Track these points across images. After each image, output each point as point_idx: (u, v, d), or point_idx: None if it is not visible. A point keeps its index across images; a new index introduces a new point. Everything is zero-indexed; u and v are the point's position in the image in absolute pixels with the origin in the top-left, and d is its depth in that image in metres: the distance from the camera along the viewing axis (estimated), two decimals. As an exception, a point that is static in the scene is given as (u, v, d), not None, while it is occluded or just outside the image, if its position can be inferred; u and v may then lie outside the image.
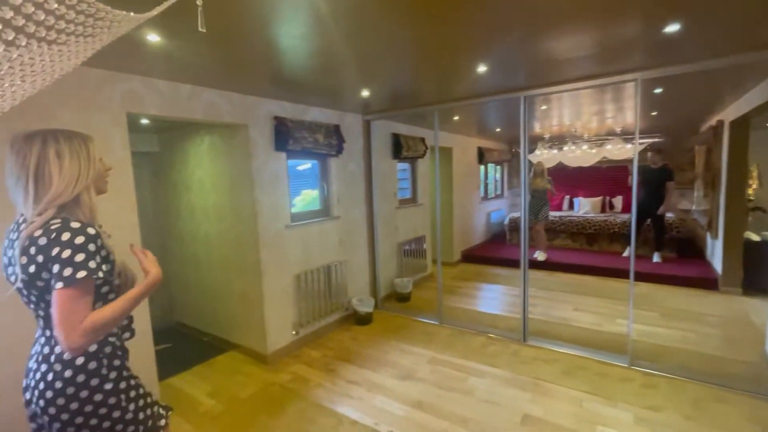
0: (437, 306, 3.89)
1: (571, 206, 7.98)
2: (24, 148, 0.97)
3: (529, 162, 5.83)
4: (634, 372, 2.83)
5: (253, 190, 2.99)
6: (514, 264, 5.48)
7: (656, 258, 5.40)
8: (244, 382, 2.90)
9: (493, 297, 4.70)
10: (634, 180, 2.89)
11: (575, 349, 3.15)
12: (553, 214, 7.11)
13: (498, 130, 6.11)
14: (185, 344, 3.65)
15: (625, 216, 6.54)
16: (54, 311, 0.90)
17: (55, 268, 0.91)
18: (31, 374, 1.03)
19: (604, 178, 7.69)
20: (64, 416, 0.99)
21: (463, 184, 6.42)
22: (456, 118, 4.56)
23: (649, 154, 5.37)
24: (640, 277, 4.99)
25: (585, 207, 7.46)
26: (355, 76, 2.64)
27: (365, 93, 3.12)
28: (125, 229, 2.27)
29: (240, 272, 3.27)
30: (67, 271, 0.91)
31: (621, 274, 5.14)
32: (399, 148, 4.62)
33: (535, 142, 7.20)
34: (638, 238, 5.36)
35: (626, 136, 6.12)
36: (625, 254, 5.42)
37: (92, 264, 0.95)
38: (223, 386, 2.85)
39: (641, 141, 6.35)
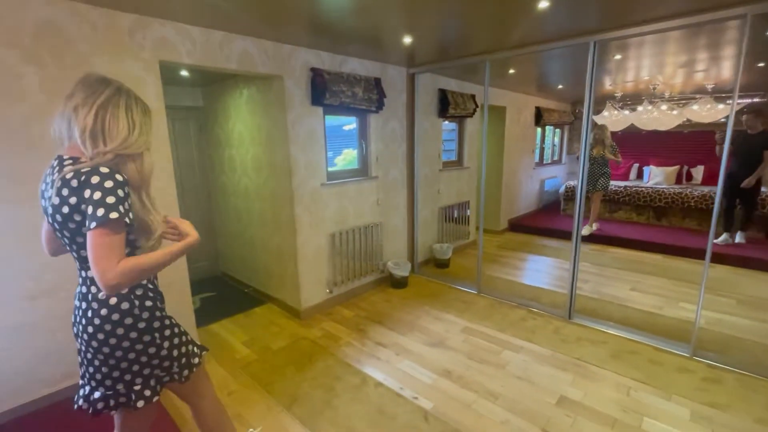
0: (476, 274, 3.70)
1: (639, 175, 7.16)
2: (97, 87, 1.00)
3: (594, 124, 5.20)
4: (696, 363, 2.50)
5: (288, 145, 2.92)
6: (565, 236, 5.09)
7: (739, 238, 4.67)
8: (278, 334, 2.98)
9: (539, 269, 4.41)
10: (726, 145, 2.40)
11: (628, 332, 2.85)
12: (617, 184, 6.43)
13: (560, 87, 5.47)
14: (228, 294, 3.84)
15: (706, 188, 5.72)
16: (89, 251, 0.92)
17: (89, 209, 0.93)
18: (76, 311, 1.12)
19: (684, 145, 6.74)
20: (105, 350, 1.08)
21: (515, 147, 5.94)
22: (511, 71, 4.09)
23: (745, 116, 4.39)
24: (718, 258, 4.39)
25: (657, 177, 6.64)
26: (397, 18, 2.37)
27: (408, 40, 2.83)
28: (161, 180, 2.30)
29: (276, 228, 3.29)
30: (100, 212, 0.92)
31: (692, 253, 4.58)
32: (446, 105, 4.28)
33: (603, 102, 6.41)
34: (726, 217, 4.67)
35: (718, 94, 5.20)
36: (720, 240, 4.68)
37: (122, 208, 0.95)
38: (258, 336, 2.96)
39: (739, 101, 5.39)
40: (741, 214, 4.67)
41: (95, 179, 0.94)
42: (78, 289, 1.11)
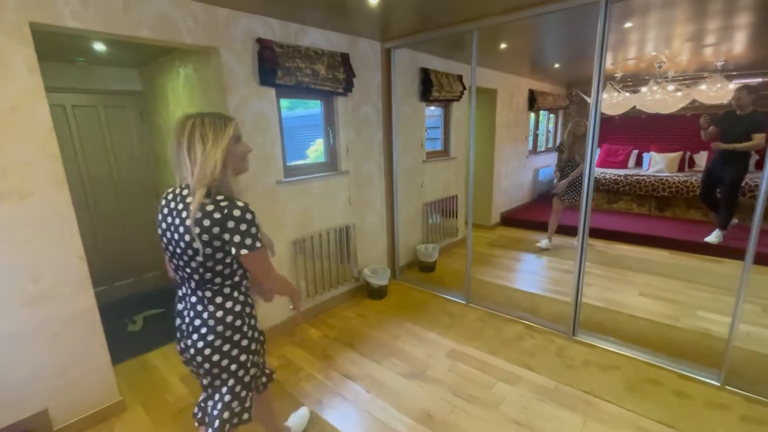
0: (465, 280, 3.22)
1: (638, 162, 6.72)
2: (180, 129, 1.09)
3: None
4: (730, 395, 2.06)
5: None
6: (563, 231, 4.64)
7: (714, 237, 4.10)
8: (226, 365, 2.47)
9: (535, 271, 3.95)
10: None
11: (644, 353, 2.40)
12: (615, 172, 5.98)
13: (556, 66, 4.94)
14: (179, 310, 3.30)
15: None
16: (255, 270, 1.17)
17: (236, 238, 1.06)
18: (185, 327, 1.21)
19: (686, 129, 6.29)
20: (215, 357, 1.18)
21: (507, 134, 5.43)
22: (503, 45, 3.55)
23: (736, 93, 3.82)
24: (721, 251, 4.00)
25: (658, 164, 6.20)
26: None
27: (377, 1, 2.27)
28: (45, 185, 1.74)
29: (225, 236, 2.75)
30: (248, 241, 1.08)
31: (701, 249, 4.15)
32: (428, 86, 3.74)
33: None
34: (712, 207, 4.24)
35: (729, 72, 4.73)
36: (711, 239, 4.17)
37: (260, 235, 1.11)
38: (202, 368, 2.45)
39: (747, 80, 4.93)
40: (722, 207, 4.09)
41: (237, 212, 1.07)
42: (186, 306, 1.22)
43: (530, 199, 6.59)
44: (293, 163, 2.92)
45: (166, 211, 1.15)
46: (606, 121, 7.08)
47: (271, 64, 2.40)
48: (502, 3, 2.40)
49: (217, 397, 1.24)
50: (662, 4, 2.47)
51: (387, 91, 3.38)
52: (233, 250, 1.07)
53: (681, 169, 6.30)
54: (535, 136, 6.63)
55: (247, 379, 1.25)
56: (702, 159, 6.20)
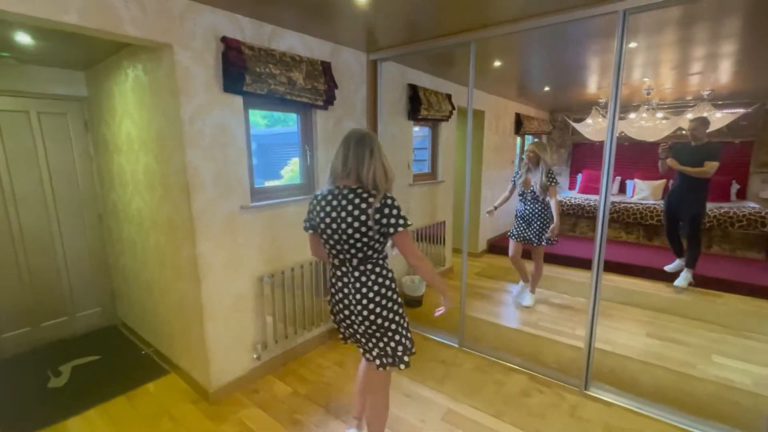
0: (458, 322, 2.83)
1: (622, 189, 6.66)
2: (359, 141, 1.44)
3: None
4: (781, 471, 1.73)
5: (183, 150, 1.93)
6: (553, 260, 4.38)
7: (681, 280, 3.82)
8: (167, 438, 1.96)
9: (531, 307, 3.61)
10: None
11: (666, 412, 2.06)
12: (593, 198, 5.83)
13: (546, 89, 4.80)
14: (118, 357, 2.74)
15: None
16: (402, 246, 1.43)
17: (392, 220, 1.38)
18: (348, 300, 1.50)
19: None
20: (375, 318, 1.47)
21: (494, 157, 5.22)
22: (496, 63, 3.32)
23: (690, 123, 3.65)
24: (708, 283, 3.84)
25: (642, 191, 6.13)
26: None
27: (364, 1, 1.95)
28: None
29: (175, 271, 2.27)
30: (401, 221, 1.39)
31: (701, 282, 3.95)
32: (417, 104, 3.44)
33: (585, 108, 5.86)
34: (673, 240, 3.99)
35: (715, 102, 4.71)
36: (671, 267, 3.97)
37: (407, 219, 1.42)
38: (135, 443, 1.92)
39: (729, 110, 4.95)
40: (686, 246, 3.82)
41: (395, 203, 1.41)
42: (344, 282, 1.51)
43: (516, 224, 6.35)
44: (263, 185, 2.50)
45: (329, 208, 1.44)
46: (587, 146, 7.07)
47: (238, 68, 2.02)
48: (508, 11, 2.13)
49: (382, 344, 1.51)
50: (676, 21, 2.27)
51: (372, 107, 3.05)
52: (391, 230, 1.38)
53: (664, 196, 6.28)
54: (521, 160, 6.47)
55: (404, 323, 1.55)
56: (684, 187, 6.19)
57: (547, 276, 4.34)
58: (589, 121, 5.41)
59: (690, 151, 3.64)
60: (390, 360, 1.51)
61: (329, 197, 1.46)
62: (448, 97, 3.93)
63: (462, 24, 2.34)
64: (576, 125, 5.62)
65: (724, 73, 3.87)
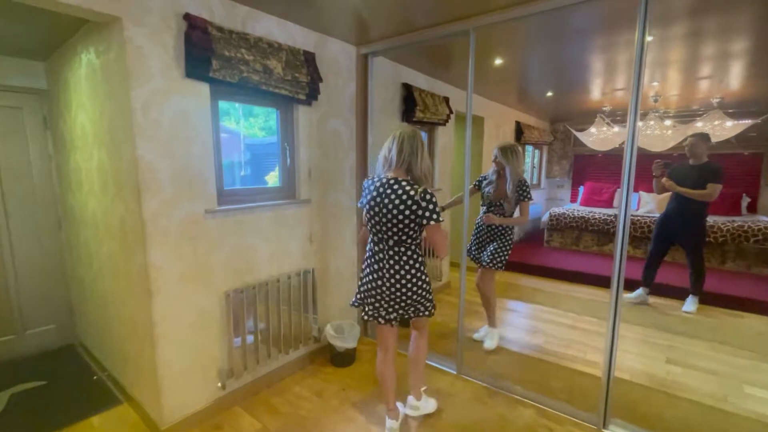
0: (456, 342, 2.51)
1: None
2: (414, 138, 1.66)
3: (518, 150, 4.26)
4: None
5: (134, 142, 1.65)
6: (553, 275, 4.11)
7: (689, 306, 3.51)
8: (103, 488, 1.61)
9: (534, 327, 3.29)
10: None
11: (705, 460, 1.73)
12: (605, 212, 5.57)
13: (549, 94, 4.58)
14: (67, 383, 2.39)
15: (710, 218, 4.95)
16: (433, 237, 1.65)
17: (427, 213, 1.57)
18: (381, 274, 1.71)
19: (675, 169, 6.06)
20: (414, 288, 1.70)
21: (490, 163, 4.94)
22: (498, 61, 3.08)
23: (689, 140, 3.35)
24: (726, 302, 3.54)
25: (648, 204, 5.87)
26: None
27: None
28: None
29: (128, 282, 1.96)
30: (435, 216, 1.57)
31: (716, 300, 3.65)
32: (412, 105, 3.20)
33: (587, 116, 5.64)
34: (651, 266, 3.68)
35: (727, 110, 4.48)
36: (632, 296, 3.67)
37: (441, 214, 1.61)
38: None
39: (740, 120, 4.73)
40: (690, 272, 3.51)
41: (432, 196, 1.60)
42: (382, 258, 1.71)
43: (516, 237, 6.07)
44: (234, 187, 2.22)
45: (375, 193, 1.65)
46: (588, 158, 6.84)
47: (203, 51, 1.76)
48: (508, -5, 1.89)
49: (411, 311, 1.79)
50: (693, 10, 2.03)
51: (363, 106, 2.79)
52: (424, 221, 1.58)
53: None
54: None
55: (429, 294, 1.81)
56: (691, 200, 5.94)
57: (551, 293, 4.04)
58: (592, 130, 5.19)
59: (689, 170, 3.33)
60: (420, 312, 1.81)
61: (377, 184, 1.65)
62: (446, 100, 3.69)
63: (459, 10, 2.10)
64: (578, 134, 5.40)
65: (735, 78, 3.66)
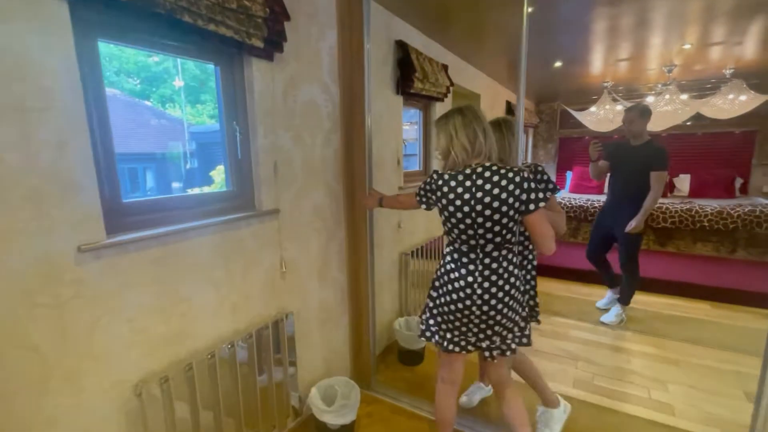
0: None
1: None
2: (479, 119, 1.33)
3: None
4: None
5: None
6: (560, 275, 3.54)
7: (612, 316, 2.91)
8: None
9: (565, 349, 2.64)
10: None
11: None
12: (599, 199, 5.08)
13: (558, 64, 3.92)
14: None
15: (713, 203, 4.60)
16: (537, 225, 1.27)
17: (531, 195, 1.24)
18: (471, 290, 1.31)
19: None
20: (501, 307, 1.31)
21: (489, 152, 4.26)
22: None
23: (626, 114, 2.76)
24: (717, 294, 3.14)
25: (643, 189, 5.49)
26: None
27: None
28: None
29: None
30: (540, 195, 1.26)
31: (746, 298, 3.21)
32: (409, 72, 2.38)
33: (587, 93, 5.10)
34: (605, 270, 3.10)
35: (750, 81, 4.00)
36: (603, 303, 3.15)
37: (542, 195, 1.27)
38: None
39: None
40: (622, 275, 2.93)
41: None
42: (476, 268, 1.32)
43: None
44: (148, 197, 1.30)
45: (460, 189, 1.28)
46: (575, 141, 6.40)
47: None
48: None
49: (507, 334, 1.38)
50: None
51: (349, 65, 1.92)
52: (531, 206, 1.24)
53: (665, 194, 5.70)
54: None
55: (524, 314, 1.43)
56: (683, 183, 5.65)
57: (566, 298, 3.44)
58: (593, 109, 4.64)
59: (629, 152, 2.74)
60: (506, 347, 1.40)
61: (460, 177, 1.30)
62: (445, 68, 2.89)
63: None
64: (577, 114, 4.85)
65: (752, 44, 3.19)
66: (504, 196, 1.24)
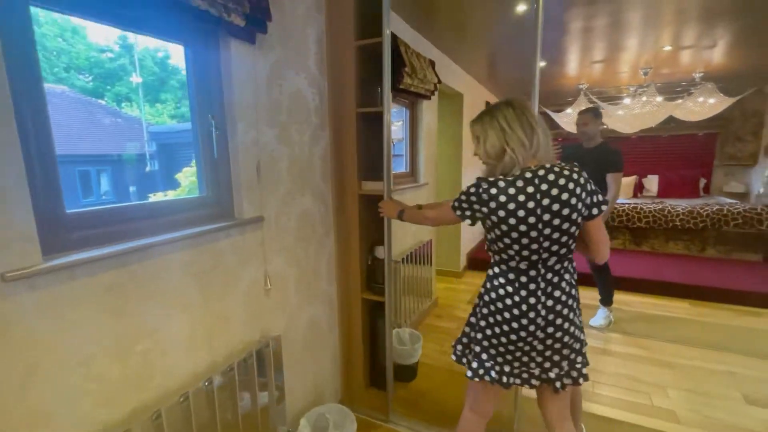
0: (511, 404, 1.65)
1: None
2: (530, 112, 1.14)
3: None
4: None
5: None
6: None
7: (600, 319, 2.89)
8: None
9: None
10: None
11: None
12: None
13: (542, 64, 3.88)
14: None
15: (682, 202, 4.76)
16: (597, 230, 1.14)
17: (594, 198, 1.10)
18: (535, 314, 1.13)
19: (638, 152, 5.93)
20: (567, 326, 1.15)
21: (471, 153, 4.18)
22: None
23: (579, 117, 2.76)
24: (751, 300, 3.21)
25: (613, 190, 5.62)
26: None
27: None
28: None
29: None
30: (601, 197, 1.13)
31: (723, 297, 3.29)
32: (397, 66, 2.20)
33: (562, 95, 5.15)
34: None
35: (718, 84, 4.13)
36: (597, 322, 2.93)
37: None
38: None
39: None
40: (597, 280, 2.91)
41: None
42: (537, 289, 1.14)
43: (487, 232, 5.44)
44: (105, 206, 1.05)
45: (522, 197, 1.08)
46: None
47: None
48: None
49: (575, 357, 1.22)
50: None
51: (337, 52, 1.73)
52: (595, 210, 1.12)
53: (635, 194, 5.88)
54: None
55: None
56: (652, 183, 5.85)
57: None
58: (569, 111, 4.68)
59: (584, 155, 2.70)
60: (577, 373, 1.22)
61: (519, 183, 1.09)
62: (432, 64, 2.75)
63: None
64: (554, 115, 4.87)
65: (721, 48, 3.29)
66: (573, 201, 1.07)
